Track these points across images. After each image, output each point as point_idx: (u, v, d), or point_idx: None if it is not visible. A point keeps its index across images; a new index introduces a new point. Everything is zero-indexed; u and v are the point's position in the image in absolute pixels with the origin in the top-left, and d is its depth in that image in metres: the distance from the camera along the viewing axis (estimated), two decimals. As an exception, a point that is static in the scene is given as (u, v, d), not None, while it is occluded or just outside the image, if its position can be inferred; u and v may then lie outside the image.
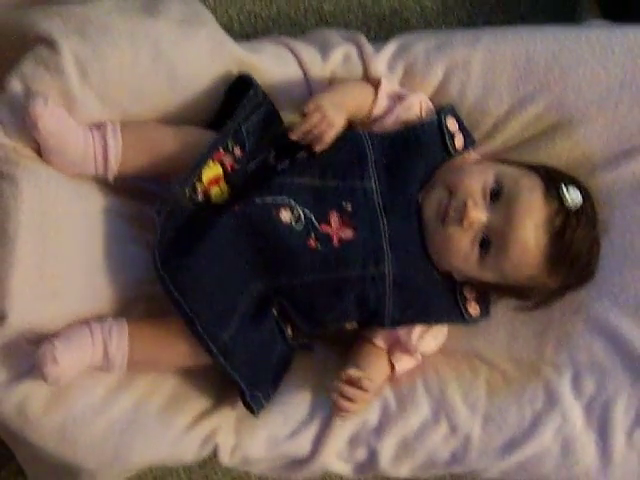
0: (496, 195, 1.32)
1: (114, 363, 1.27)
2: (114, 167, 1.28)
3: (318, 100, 1.31)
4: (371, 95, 1.40)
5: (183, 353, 1.30)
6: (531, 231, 1.30)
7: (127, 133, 1.28)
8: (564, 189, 1.31)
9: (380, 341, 1.40)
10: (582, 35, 1.44)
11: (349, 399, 1.31)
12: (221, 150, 1.31)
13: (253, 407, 1.34)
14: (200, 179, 1.29)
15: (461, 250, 1.32)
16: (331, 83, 1.43)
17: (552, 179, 1.33)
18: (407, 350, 1.40)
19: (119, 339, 1.26)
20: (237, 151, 1.32)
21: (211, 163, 1.30)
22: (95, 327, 1.26)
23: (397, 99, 1.41)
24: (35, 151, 1.27)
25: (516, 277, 1.34)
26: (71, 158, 1.26)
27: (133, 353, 1.28)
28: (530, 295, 1.40)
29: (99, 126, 1.28)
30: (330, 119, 1.30)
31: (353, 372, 1.32)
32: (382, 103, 1.40)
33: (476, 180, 1.32)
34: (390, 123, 1.40)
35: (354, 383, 1.31)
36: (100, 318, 1.28)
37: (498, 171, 1.34)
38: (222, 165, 1.31)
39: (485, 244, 1.32)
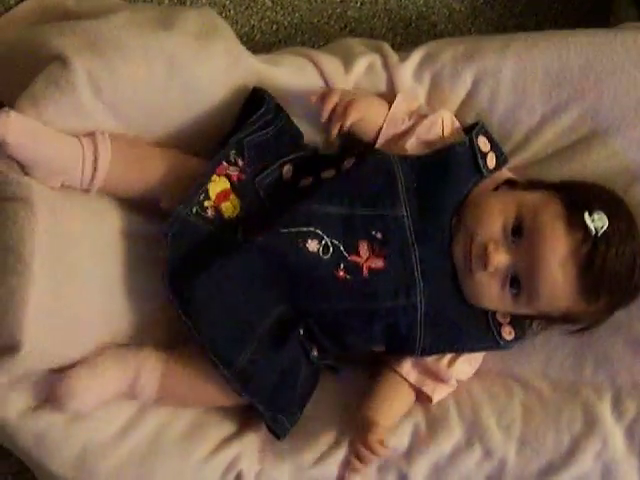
0: (518, 231, 1.28)
1: (141, 395, 1.26)
2: (102, 177, 1.24)
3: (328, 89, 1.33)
4: (385, 109, 1.36)
5: (212, 394, 1.29)
6: (557, 268, 1.26)
7: (115, 144, 1.25)
8: (587, 217, 1.26)
9: (407, 371, 1.36)
10: (617, 39, 1.39)
11: (363, 461, 1.29)
12: (224, 163, 1.28)
13: (277, 431, 1.31)
14: (208, 196, 1.26)
15: (493, 294, 1.30)
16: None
17: (575, 203, 1.28)
18: (440, 379, 1.36)
19: (151, 374, 1.25)
20: (240, 161, 1.29)
21: (216, 178, 1.27)
22: (131, 357, 1.26)
23: (416, 118, 1.37)
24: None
25: (553, 310, 1.31)
26: (55, 168, 1.22)
27: (163, 388, 1.27)
28: (576, 320, 1.35)
29: (88, 134, 1.25)
30: (349, 98, 1.29)
31: (375, 444, 1.28)
32: (397, 122, 1.36)
33: (495, 220, 1.28)
34: (412, 144, 1.35)
35: (373, 450, 1.28)
36: (139, 347, 1.28)
37: (518, 205, 1.29)
38: (228, 177, 1.28)
39: (515, 283, 1.29)
